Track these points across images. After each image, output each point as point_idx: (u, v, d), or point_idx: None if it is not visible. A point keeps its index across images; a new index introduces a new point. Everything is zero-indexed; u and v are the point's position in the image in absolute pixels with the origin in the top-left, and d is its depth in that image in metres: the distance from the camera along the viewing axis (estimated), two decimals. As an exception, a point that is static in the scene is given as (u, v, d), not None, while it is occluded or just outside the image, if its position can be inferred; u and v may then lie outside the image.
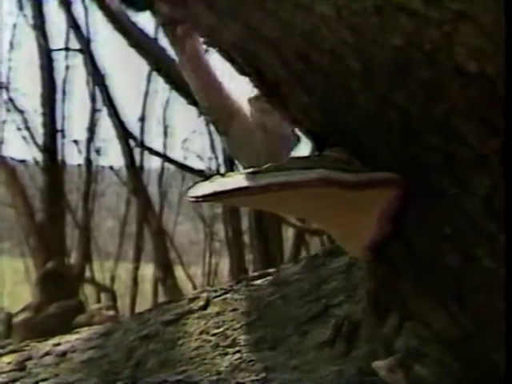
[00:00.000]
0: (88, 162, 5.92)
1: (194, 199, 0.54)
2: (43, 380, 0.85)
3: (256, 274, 0.96)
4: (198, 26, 0.69)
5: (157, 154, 5.70)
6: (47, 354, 0.91)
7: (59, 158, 5.59)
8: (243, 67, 0.67)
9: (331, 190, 0.52)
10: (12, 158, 5.80)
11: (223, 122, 1.39)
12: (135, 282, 6.24)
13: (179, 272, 6.04)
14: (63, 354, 0.90)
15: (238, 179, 0.51)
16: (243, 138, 1.35)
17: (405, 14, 0.54)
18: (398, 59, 0.54)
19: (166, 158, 5.83)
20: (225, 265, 6.26)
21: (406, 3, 0.54)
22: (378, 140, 0.56)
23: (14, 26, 5.99)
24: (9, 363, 0.91)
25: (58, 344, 0.94)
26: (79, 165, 6.11)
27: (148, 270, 6.31)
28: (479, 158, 0.54)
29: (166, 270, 5.48)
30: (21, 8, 5.72)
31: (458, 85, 0.53)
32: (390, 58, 0.54)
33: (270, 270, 0.90)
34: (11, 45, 6.05)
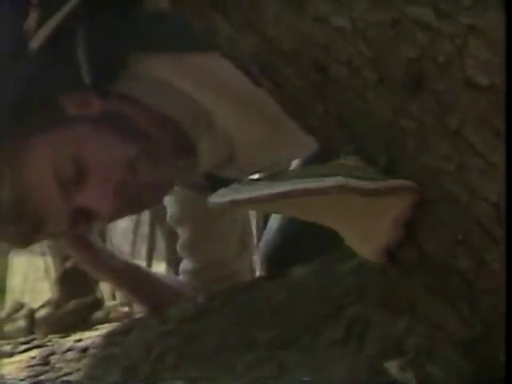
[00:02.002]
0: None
1: (215, 206, 0.53)
2: (66, 374, 0.85)
3: (270, 274, 0.96)
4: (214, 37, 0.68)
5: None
6: (70, 349, 0.90)
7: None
8: (258, 78, 0.66)
9: (348, 197, 0.51)
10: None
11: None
12: (148, 279, 6.23)
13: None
14: (85, 349, 0.90)
15: (258, 186, 0.51)
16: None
17: (419, 27, 0.53)
18: (413, 71, 0.53)
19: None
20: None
21: (420, 16, 0.53)
22: (393, 149, 0.56)
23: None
24: (33, 358, 0.90)
25: (80, 340, 0.93)
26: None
27: (160, 268, 6.31)
28: (489, 166, 0.53)
29: (177, 268, 5.47)
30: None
31: (470, 96, 0.52)
32: (405, 70, 0.53)
33: (282, 271, 0.89)
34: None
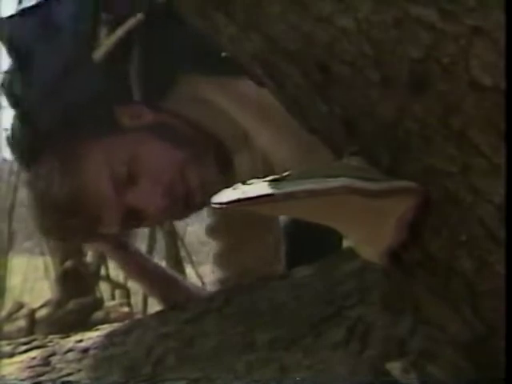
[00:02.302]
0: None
1: (218, 206, 0.53)
2: (67, 375, 0.84)
3: (271, 275, 0.95)
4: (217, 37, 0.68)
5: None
6: (70, 350, 0.90)
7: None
8: (261, 78, 0.66)
9: (353, 198, 0.51)
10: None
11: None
12: (148, 279, 6.23)
13: (189, 270, 6.04)
14: (86, 350, 0.89)
15: (262, 186, 0.50)
16: None
17: (423, 28, 0.53)
18: (417, 71, 0.53)
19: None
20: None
21: (424, 17, 0.53)
22: (397, 149, 0.56)
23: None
24: (34, 358, 0.90)
25: (81, 340, 0.93)
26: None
27: (160, 269, 6.30)
28: (493, 167, 0.53)
29: (176, 268, 5.47)
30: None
31: (474, 98, 0.52)
32: (409, 70, 0.53)
33: (284, 272, 0.89)
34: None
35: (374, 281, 0.71)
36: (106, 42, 1.01)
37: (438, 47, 0.52)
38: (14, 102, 1.08)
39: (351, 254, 0.72)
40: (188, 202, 1.07)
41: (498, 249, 0.54)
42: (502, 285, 0.55)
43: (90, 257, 5.68)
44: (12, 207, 6.51)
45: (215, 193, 1.13)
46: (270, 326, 0.79)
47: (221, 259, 1.29)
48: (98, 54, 1.01)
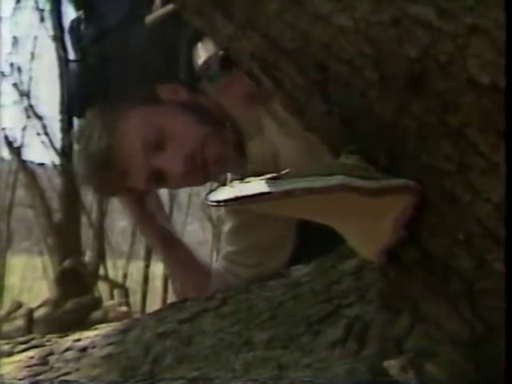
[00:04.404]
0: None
1: (215, 203, 0.53)
2: (65, 374, 0.84)
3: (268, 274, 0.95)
4: (215, 36, 0.68)
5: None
6: (68, 349, 0.90)
7: (76, 161, 5.58)
8: (259, 77, 0.66)
9: (350, 196, 0.51)
10: (32, 162, 5.82)
11: (197, 287, 1.35)
12: (146, 279, 6.25)
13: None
14: (84, 349, 0.89)
15: (259, 185, 0.50)
16: (218, 283, 1.33)
17: (420, 27, 0.53)
18: (414, 70, 0.53)
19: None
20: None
21: (422, 16, 0.53)
22: (395, 148, 0.55)
23: (35, 38, 6.04)
24: (32, 357, 0.90)
25: (79, 340, 0.92)
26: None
27: (158, 268, 6.32)
28: (491, 166, 0.53)
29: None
30: (42, 20, 5.75)
31: (472, 96, 0.52)
32: (407, 69, 0.53)
33: (282, 271, 0.88)
34: (32, 55, 6.10)
35: (371, 279, 0.71)
36: (160, 10, 1.10)
37: (436, 46, 0.52)
38: (76, 49, 1.24)
39: (349, 252, 0.72)
40: (204, 171, 1.20)
41: (496, 247, 0.54)
42: (502, 283, 0.54)
43: (88, 256, 5.69)
44: (10, 206, 6.51)
45: (227, 168, 1.21)
46: (267, 324, 0.79)
47: (231, 236, 1.37)
48: (150, 18, 1.10)
